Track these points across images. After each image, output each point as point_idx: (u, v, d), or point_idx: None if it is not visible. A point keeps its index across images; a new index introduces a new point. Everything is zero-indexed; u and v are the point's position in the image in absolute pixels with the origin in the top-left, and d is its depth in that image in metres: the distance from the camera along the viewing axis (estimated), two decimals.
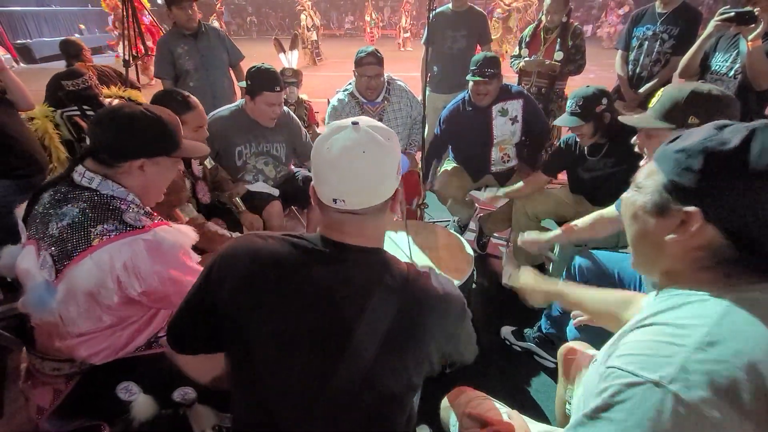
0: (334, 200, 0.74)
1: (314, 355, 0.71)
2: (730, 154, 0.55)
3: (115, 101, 2.38)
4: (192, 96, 1.68)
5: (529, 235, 1.74)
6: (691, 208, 0.57)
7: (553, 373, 1.76)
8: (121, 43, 3.38)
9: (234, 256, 0.76)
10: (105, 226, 0.97)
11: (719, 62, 2.15)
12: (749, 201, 0.54)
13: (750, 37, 1.92)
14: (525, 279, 1.26)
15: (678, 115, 1.27)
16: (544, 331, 1.84)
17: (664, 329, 0.56)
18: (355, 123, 0.74)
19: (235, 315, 0.73)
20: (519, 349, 1.93)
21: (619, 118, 1.50)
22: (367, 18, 16.38)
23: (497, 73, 2.23)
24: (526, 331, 1.93)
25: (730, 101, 1.27)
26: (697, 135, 0.60)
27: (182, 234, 1.06)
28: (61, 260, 0.95)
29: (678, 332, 0.54)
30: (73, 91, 2.24)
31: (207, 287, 0.77)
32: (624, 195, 0.71)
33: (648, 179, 0.64)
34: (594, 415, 0.54)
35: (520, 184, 2.25)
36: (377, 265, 0.77)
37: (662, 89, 1.40)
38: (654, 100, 1.37)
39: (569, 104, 1.89)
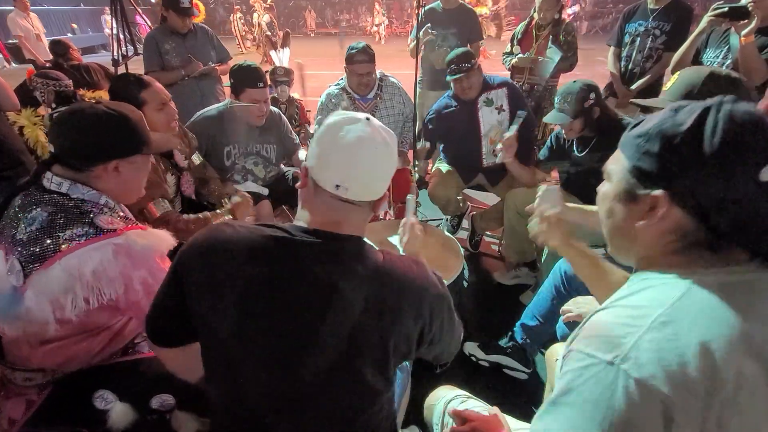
0: (337, 186, 0.73)
1: (285, 342, 0.70)
2: (685, 137, 0.55)
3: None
4: (145, 75, 1.66)
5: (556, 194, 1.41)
6: (658, 192, 0.57)
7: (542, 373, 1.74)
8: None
9: (202, 247, 0.74)
10: (74, 231, 0.94)
11: (710, 58, 2.12)
12: (708, 181, 0.54)
13: (743, 33, 1.89)
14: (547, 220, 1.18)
15: (693, 98, 1.23)
16: (519, 341, 1.76)
17: (623, 311, 0.57)
18: (368, 118, 0.77)
19: (204, 307, 0.72)
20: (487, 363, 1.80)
21: (634, 101, 1.42)
22: (377, 21, 16.29)
23: (474, 64, 2.22)
24: (501, 341, 1.81)
25: (747, 86, 1.22)
26: (655, 118, 0.60)
27: (157, 238, 1.03)
28: (29, 265, 0.93)
29: (635, 313, 0.55)
30: (59, 92, 2.20)
31: (176, 280, 0.75)
32: (600, 188, 0.70)
33: (615, 165, 0.65)
34: (557, 399, 0.55)
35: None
36: (352, 251, 0.76)
37: (678, 72, 1.31)
38: (669, 83, 1.30)
39: (557, 101, 1.86)
